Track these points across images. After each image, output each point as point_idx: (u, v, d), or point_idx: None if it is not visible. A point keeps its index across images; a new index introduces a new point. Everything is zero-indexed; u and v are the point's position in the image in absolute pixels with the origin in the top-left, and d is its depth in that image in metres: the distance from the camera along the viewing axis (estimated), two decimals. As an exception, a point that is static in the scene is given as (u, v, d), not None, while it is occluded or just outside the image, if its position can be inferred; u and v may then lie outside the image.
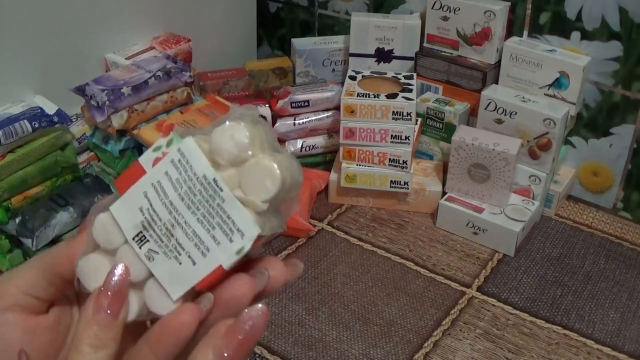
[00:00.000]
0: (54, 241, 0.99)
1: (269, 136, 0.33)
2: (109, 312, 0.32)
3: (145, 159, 0.33)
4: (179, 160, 0.32)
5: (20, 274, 0.35)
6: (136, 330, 0.33)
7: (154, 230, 0.32)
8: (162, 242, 0.32)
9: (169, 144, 0.32)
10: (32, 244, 0.97)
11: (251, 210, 0.31)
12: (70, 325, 0.37)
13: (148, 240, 0.32)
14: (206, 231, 0.31)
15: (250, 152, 0.32)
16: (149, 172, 0.32)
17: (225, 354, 0.30)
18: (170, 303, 0.32)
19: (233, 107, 0.33)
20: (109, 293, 0.32)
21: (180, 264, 0.32)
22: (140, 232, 0.32)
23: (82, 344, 0.31)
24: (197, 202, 0.32)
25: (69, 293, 0.37)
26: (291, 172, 0.32)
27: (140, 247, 0.32)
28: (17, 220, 0.99)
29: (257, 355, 0.92)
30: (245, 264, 0.33)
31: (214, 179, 0.31)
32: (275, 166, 0.31)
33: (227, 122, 0.32)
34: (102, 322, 0.32)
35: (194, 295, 0.32)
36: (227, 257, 0.31)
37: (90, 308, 0.32)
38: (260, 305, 0.31)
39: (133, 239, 0.32)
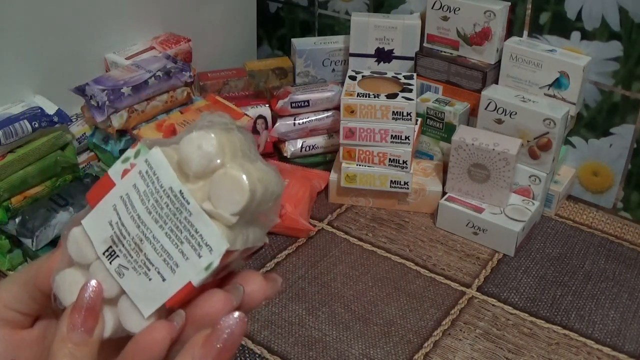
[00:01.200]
0: (54, 241, 0.99)
1: (243, 144, 0.31)
2: (82, 329, 0.31)
3: (115, 170, 0.32)
4: (147, 172, 0.31)
5: (2, 288, 0.34)
6: (119, 345, 0.32)
7: (123, 245, 0.31)
8: (132, 257, 0.31)
9: (136, 155, 0.31)
10: (32, 244, 0.97)
11: (220, 224, 0.30)
12: None
13: (118, 256, 0.31)
14: (174, 246, 0.30)
15: (219, 162, 0.30)
16: (118, 185, 0.31)
17: None
18: (142, 320, 0.31)
19: (203, 114, 0.32)
20: (82, 310, 0.31)
21: (150, 280, 0.31)
22: (110, 247, 0.31)
23: None
24: (164, 215, 0.30)
25: (55, 306, 0.36)
26: (265, 183, 0.31)
27: (110, 263, 0.31)
28: (17, 220, 0.99)
29: (257, 355, 0.92)
30: (226, 278, 0.33)
31: (181, 191, 0.30)
32: (244, 177, 0.30)
33: (194, 131, 0.30)
34: (76, 339, 0.31)
35: (168, 311, 0.31)
36: (196, 273, 0.30)
37: (64, 325, 0.31)
38: (237, 313, 0.30)
39: (103, 254, 0.31)
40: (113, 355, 0.32)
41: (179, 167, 0.31)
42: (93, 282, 0.31)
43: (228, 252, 0.30)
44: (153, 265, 0.31)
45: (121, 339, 0.32)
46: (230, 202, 0.30)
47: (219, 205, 0.30)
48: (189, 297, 0.30)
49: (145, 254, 0.31)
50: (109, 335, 0.32)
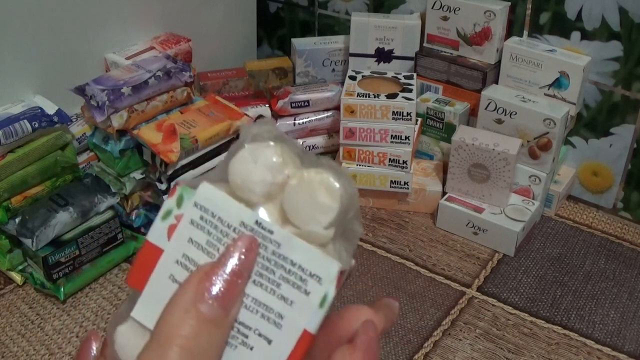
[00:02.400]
0: (54, 241, 0.99)
1: (299, 149, 0.26)
2: (217, 303, 0.23)
3: (156, 234, 0.25)
4: (201, 218, 0.25)
5: None
6: None
7: None
8: None
9: (179, 204, 0.25)
10: (32, 244, 0.97)
11: (316, 245, 0.24)
12: None
13: None
14: (270, 293, 0.24)
15: (287, 173, 0.25)
16: (167, 249, 0.25)
17: None
18: None
19: (244, 127, 0.26)
20: (221, 277, 0.23)
21: (251, 349, 0.24)
22: None
23: (170, 344, 0.22)
24: None
25: None
26: (343, 183, 0.25)
27: None
28: (17, 220, 0.99)
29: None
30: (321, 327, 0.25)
31: (257, 221, 0.24)
32: (330, 177, 0.24)
33: (246, 146, 0.25)
34: (206, 315, 0.22)
35: None
36: (310, 316, 0.24)
37: (190, 291, 0.23)
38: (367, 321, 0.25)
39: None
40: None
41: (236, 196, 0.25)
42: (245, 239, 0.24)
43: (340, 275, 0.24)
44: (250, 329, 0.24)
45: None
46: (318, 212, 0.24)
47: (304, 222, 0.24)
48: (307, 350, 0.24)
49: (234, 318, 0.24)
50: None
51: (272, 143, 0.25)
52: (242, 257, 0.24)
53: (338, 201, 0.24)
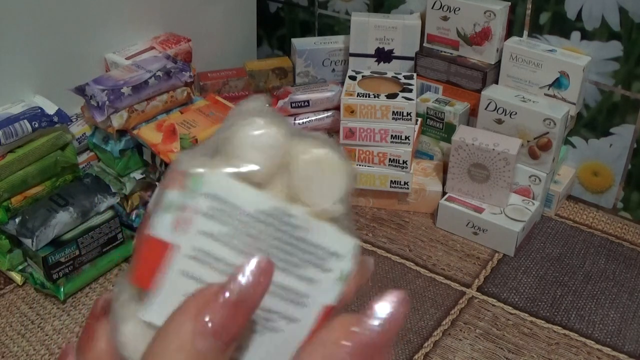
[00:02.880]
0: (54, 241, 0.99)
1: (292, 127, 0.25)
2: (218, 338, 0.20)
3: (160, 228, 0.24)
4: (214, 208, 0.23)
5: None
6: None
7: None
8: None
9: (185, 193, 0.24)
10: (32, 244, 0.97)
11: (329, 221, 0.24)
12: None
13: None
14: (292, 276, 0.24)
15: (287, 151, 0.24)
16: (175, 244, 0.23)
17: None
18: None
19: (235, 106, 0.25)
20: (225, 308, 0.21)
21: (279, 332, 0.24)
22: None
23: None
24: (263, 248, 0.24)
25: None
26: (345, 158, 0.25)
27: None
28: (17, 220, 0.99)
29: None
30: None
31: (276, 207, 0.24)
32: (334, 153, 0.24)
33: (242, 125, 0.24)
34: (204, 354, 0.20)
35: None
36: (330, 291, 0.25)
37: (187, 325, 0.20)
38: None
39: None
40: None
41: (238, 180, 0.24)
42: (256, 262, 0.22)
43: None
44: (276, 313, 0.24)
45: None
46: (328, 188, 0.24)
47: (316, 200, 0.24)
48: (328, 320, 0.25)
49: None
50: None
51: (262, 121, 0.24)
52: (254, 283, 0.21)
53: (345, 176, 0.24)
